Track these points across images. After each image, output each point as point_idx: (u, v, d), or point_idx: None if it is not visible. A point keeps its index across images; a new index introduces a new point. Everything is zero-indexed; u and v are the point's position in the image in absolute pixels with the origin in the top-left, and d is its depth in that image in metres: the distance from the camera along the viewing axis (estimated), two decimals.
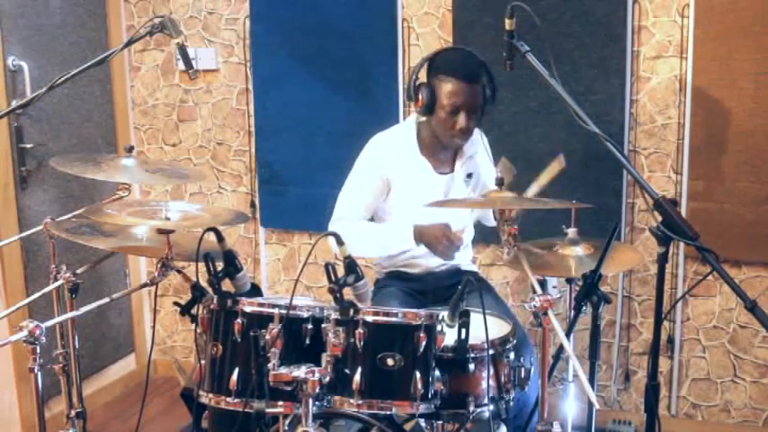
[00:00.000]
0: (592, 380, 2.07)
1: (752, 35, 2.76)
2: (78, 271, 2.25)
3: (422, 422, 2.16)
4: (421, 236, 2.42)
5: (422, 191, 2.51)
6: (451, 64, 2.40)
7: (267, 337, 1.73)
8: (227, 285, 1.87)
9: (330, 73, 3.31)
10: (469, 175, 2.59)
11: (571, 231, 2.44)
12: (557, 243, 2.47)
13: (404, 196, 2.54)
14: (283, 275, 3.61)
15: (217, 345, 1.83)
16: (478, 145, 2.61)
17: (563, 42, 2.96)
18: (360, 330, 1.74)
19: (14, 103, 2.76)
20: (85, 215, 2.25)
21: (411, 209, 2.51)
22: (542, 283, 2.78)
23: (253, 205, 3.58)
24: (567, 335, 1.95)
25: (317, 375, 1.69)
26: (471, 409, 1.85)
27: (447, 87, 2.37)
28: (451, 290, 2.51)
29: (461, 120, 2.38)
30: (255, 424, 1.82)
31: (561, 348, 2.16)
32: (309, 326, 1.79)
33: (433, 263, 2.57)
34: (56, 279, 2.26)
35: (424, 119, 2.51)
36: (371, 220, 2.62)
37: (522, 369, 1.97)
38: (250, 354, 1.73)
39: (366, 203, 2.55)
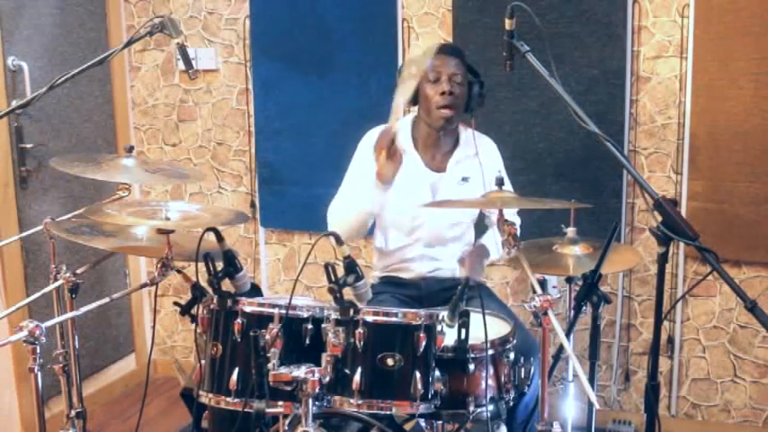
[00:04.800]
0: (592, 380, 2.08)
1: (752, 35, 2.76)
2: (78, 271, 2.26)
3: (422, 422, 2.16)
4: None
5: (408, 186, 2.52)
6: (433, 47, 2.47)
7: (267, 337, 1.73)
8: (226, 285, 1.87)
9: (330, 73, 3.31)
10: (465, 179, 2.54)
11: (570, 231, 2.45)
12: (556, 242, 2.47)
13: (392, 190, 2.53)
14: (283, 275, 3.61)
15: (217, 345, 1.83)
16: (483, 150, 2.56)
17: (563, 42, 2.96)
18: (360, 330, 1.74)
19: (14, 103, 2.76)
20: (85, 215, 2.25)
21: (400, 203, 2.51)
22: (542, 283, 2.78)
23: (253, 205, 3.58)
24: (567, 335, 1.95)
25: (316, 375, 1.69)
26: (471, 409, 1.85)
27: (430, 64, 2.43)
28: (444, 295, 2.52)
29: (444, 84, 2.40)
30: (255, 424, 1.82)
31: (561, 348, 2.16)
32: (309, 326, 1.79)
33: (424, 268, 2.58)
34: (56, 279, 2.26)
35: (418, 115, 2.55)
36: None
37: (523, 369, 1.97)
38: (250, 354, 1.73)
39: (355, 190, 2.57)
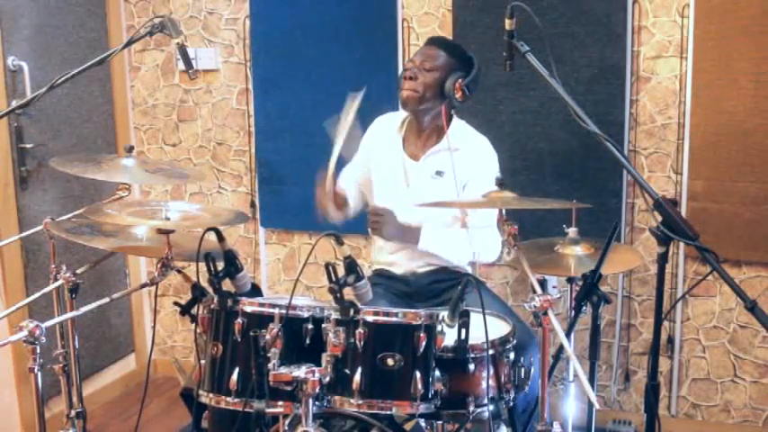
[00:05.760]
0: (592, 380, 2.08)
1: (752, 35, 2.76)
2: (78, 271, 2.26)
3: (422, 422, 2.16)
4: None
5: (388, 169, 2.61)
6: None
7: (267, 336, 1.73)
8: (227, 285, 1.87)
9: (330, 73, 3.31)
10: (439, 173, 2.53)
11: (571, 231, 2.45)
12: (557, 243, 2.47)
13: (376, 173, 2.67)
14: (283, 275, 3.61)
15: (217, 344, 1.83)
16: (470, 148, 2.55)
17: (563, 42, 2.96)
18: (360, 330, 1.74)
19: (14, 103, 2.76)
20: (85, 215, 2.25)
21: (381, 187, 2.64)
22: (542, 283, 2.79)
23: (253, 205, 3.58)
24: (567, 335, 1.96)
25: (317, 375, 1.69)
26: (471, 409, 1.85)
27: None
28: (433, 288, 2.54)
29: (409, 71, 2.50)
30: (255, 424, 1.82)
31: (561, 348, 2.17)
32: (310, 326, 1.80)
33: (414, 264, 2.59)
34: (56, 279, 2.26)
35: None
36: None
37: (523, 369, 1.97)
38: (250, 354, 1.73)
39: (353, 165, 2.74)
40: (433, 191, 2.51)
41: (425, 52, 2.53)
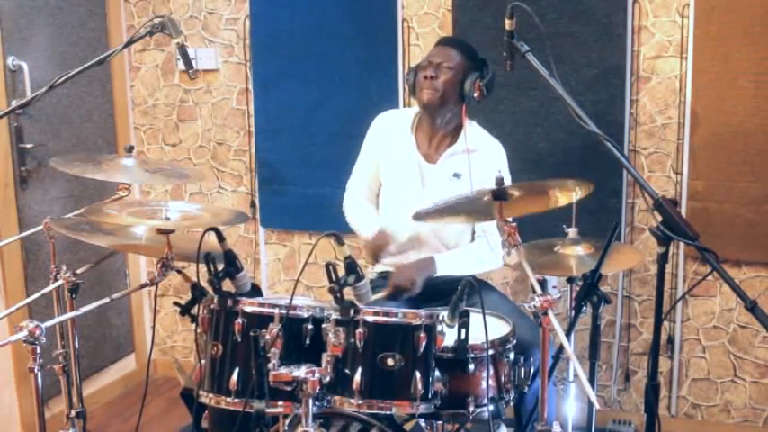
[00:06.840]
0: (592, 380, 2.08)
1: (752, 35, 2.76)
2: (78, 271, 2.26)
3: (422, 422, 2.16)
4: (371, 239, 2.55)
5: (401, 171, 2.58)
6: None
7: (267, 336, 1.73)
8: (227, 285, 1.87)
9: (330, 73, 3.31)
10: (457, 175, 2.54)
11: (572, 231, 2.45)
12: (557, 243, 2.47)
13: (387, 173, 2.63)
14: (283, 275, 3.61)
15: (217, 345, 1.83)
16: (484, 151, 2.56)
17: (563, 42, 2.96)
18: (360, 330, 1.74)
19: (14, 103, 2.76)
20: (85, 215, 2.25)
21: (394, 188, 2.60)
22: (542, 283, 2.78)
23: (253, 205, 3.58)
24: (567, 335, 1.95)
25: (317, 375, 1.69)
26: (471, 409, 1.85)
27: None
28: (441, 290, 2.52)
29: (428, 70, 2.48)
30: (255, 424, 1.82)
31: (561, 348, 2.16)
32: (310, 326, 1.79)
33: None
34: (56, 279, 2.26)
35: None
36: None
37: (523, 369, 1.97)
38: (250, 354, 1.73)
39: (363, 177, 2.70)
40: (450, 194, 2.50)
41: (442, 52, 2.51)
